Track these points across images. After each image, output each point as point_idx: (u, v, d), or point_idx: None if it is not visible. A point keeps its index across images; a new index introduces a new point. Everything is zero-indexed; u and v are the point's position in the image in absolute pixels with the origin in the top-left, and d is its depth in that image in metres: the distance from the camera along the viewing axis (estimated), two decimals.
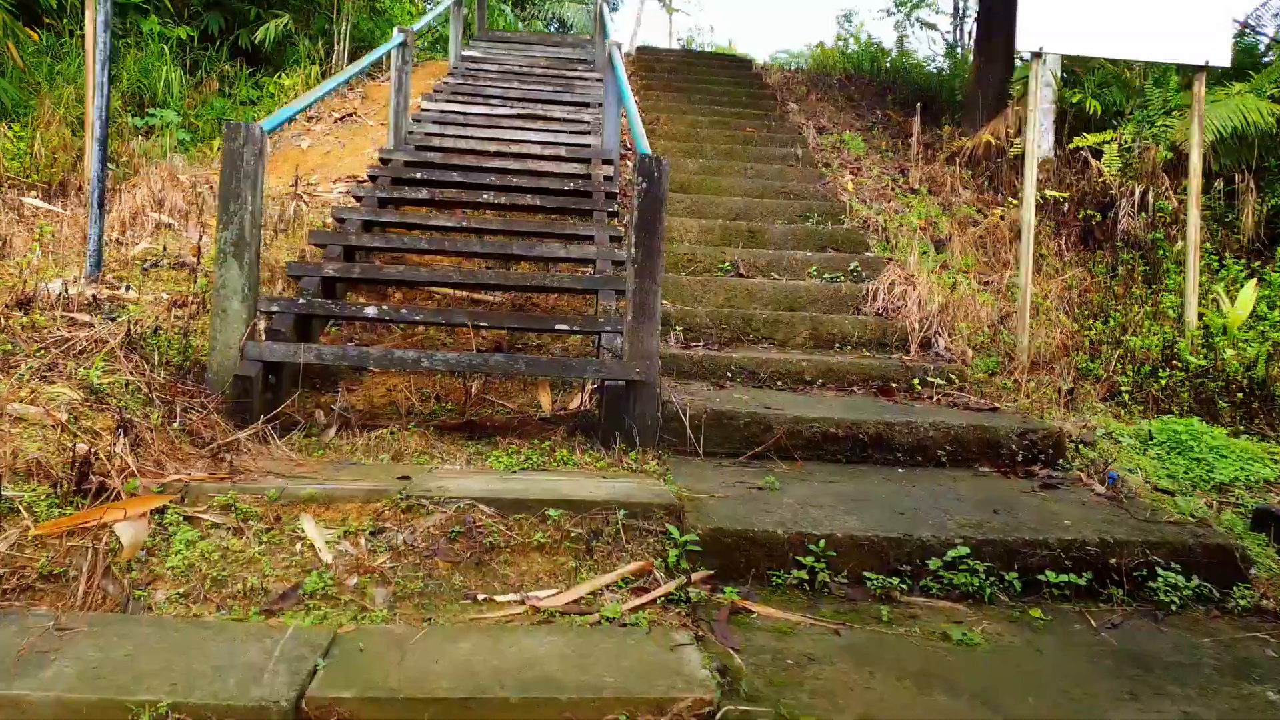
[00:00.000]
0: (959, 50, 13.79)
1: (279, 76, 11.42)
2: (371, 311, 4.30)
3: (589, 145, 7.80)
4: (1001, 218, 8.06)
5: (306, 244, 5.61)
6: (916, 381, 4.94)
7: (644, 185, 3.90)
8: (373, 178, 6.39)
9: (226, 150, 3.83)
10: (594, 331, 4.48)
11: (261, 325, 4.50)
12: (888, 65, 14.35)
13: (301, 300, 4.26)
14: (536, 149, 7.52)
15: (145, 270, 4.89)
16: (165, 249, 5.15)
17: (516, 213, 6.59)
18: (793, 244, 6.85)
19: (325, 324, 4.90)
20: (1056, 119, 9.33)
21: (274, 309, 4.26)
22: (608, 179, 6.97)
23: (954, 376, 5.01)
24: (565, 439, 3.99)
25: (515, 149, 7.48)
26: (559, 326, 4.37)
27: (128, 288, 4.50)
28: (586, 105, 9.10)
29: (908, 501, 3.29)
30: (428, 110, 8.39)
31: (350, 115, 9.86)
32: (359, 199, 6.04)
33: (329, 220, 6.22)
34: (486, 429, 4.11)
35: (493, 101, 8.81)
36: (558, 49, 12.21)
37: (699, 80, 11.70)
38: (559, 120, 8.53)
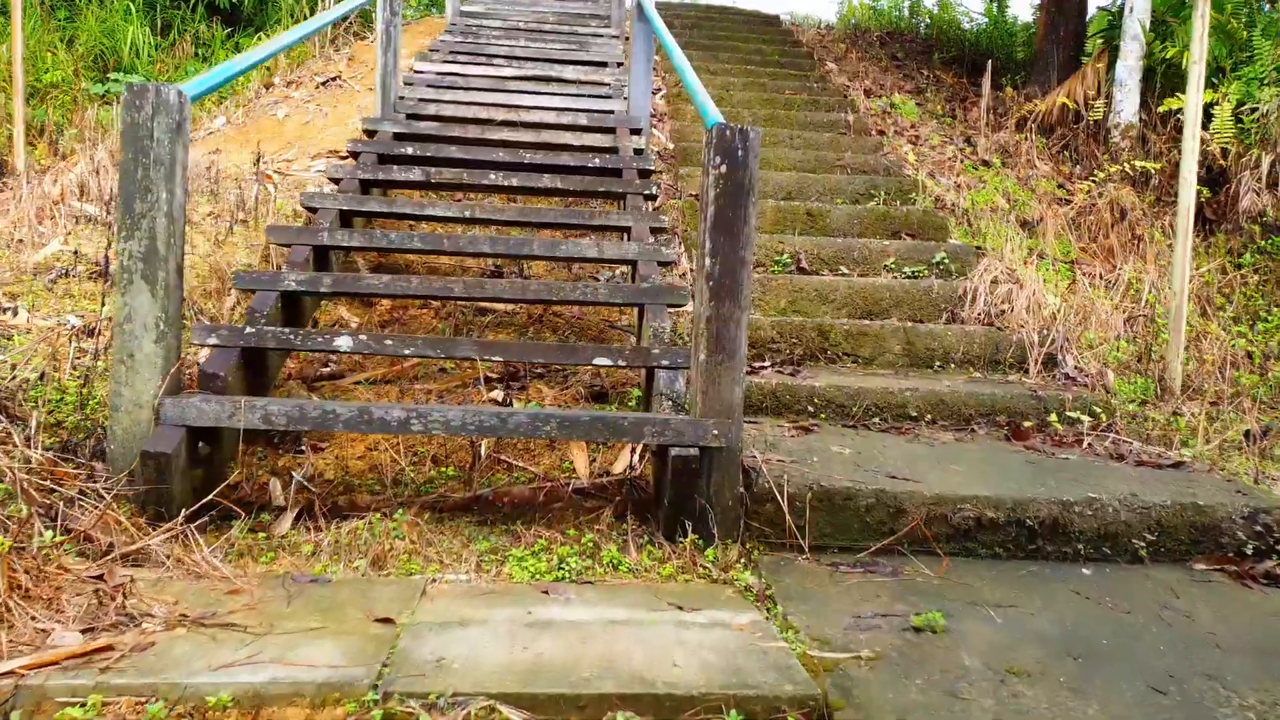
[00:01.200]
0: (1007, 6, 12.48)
1: (259, 38, 10.28)
2: (345, 343, 3.16)
3: (612, 112, 6.59)
4: (1089, 194, 6.89)
5: (268, 240, 4.46)
6: (1054, 418, 3.82)
7: (722, 167, 2.75)
8: (354, 154, 5.22)
9: (128, 124, 2.66)
10: (644, 366, 3.35)
11: (204, 354, 3.39)
12: (927, 22, 13.08)
13: (249, 329, 3.11)
14: (550, 116, 6.32)
15: (52, 282, 3.73)
16: (77, 253, 3.97)
17: (531, 196, 5.43)
18: (860, 229, 5.70)
19: (287, 353, 3.77)
20: (1142, 78, 8.10)
21: (212, 340, 3.12)
22: (638, 153, 5.78)
23: (1098, 409, 3.88)
24: (612, 524, 2.89)
25: (526, 116, 6.28)
26: (598, 360, 3.23)
27: (17, 310, 3.34)
28: (604, 65, 7.89)
29: (1148, 656, 2.17)
30: (422, 73, 7.18)
31: (334, 79, 8.63)
32: (337, 181, 4.88)
33: (300, 208, 5.07)
34: (502, 508, 2.99)
35: (497, 61, 7.59)
36: (565, 2, 10.95)
37: (724, 37, 10.47)
38: (574, 83, 7.32)
